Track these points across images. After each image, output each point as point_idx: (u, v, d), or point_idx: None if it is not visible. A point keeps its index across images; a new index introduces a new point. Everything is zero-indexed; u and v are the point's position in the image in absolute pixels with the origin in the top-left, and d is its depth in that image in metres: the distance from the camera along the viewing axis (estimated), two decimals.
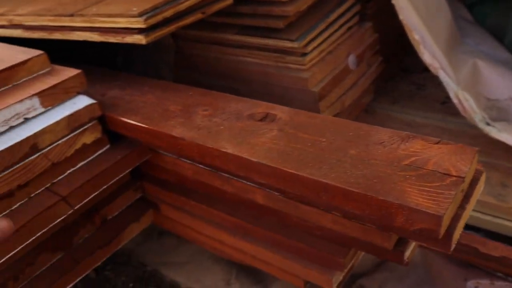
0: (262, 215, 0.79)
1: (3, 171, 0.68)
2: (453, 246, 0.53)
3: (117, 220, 0.93)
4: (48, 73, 0.79)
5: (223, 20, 1.06)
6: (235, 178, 0.76)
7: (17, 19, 0.92)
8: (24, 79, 0.78)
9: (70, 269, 0.84)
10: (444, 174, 0.54)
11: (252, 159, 0.61)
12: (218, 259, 1.16)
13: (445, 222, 0.50)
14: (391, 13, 0.99)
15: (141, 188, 0.96)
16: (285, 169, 0.58)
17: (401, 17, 0.97)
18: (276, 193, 0.68)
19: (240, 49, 1.08)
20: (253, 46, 1.05)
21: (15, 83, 0.77)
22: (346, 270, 0.75)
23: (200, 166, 0.80)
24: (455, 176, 0.53)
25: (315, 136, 0.64)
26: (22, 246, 0.70)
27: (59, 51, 0.92)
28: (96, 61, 1.24)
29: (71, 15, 0.83)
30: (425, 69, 1.04)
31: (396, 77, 1.40)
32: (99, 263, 0.89)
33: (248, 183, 0.71)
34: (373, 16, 1.20)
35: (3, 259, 0.68)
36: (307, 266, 0.76)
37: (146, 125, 0.73)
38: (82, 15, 0.82)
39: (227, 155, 0.64)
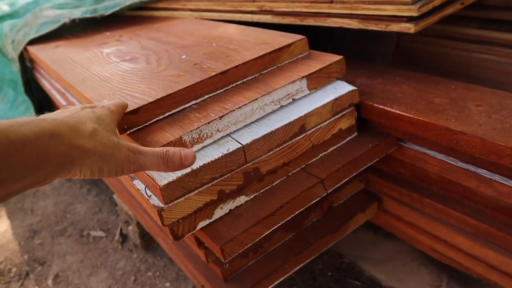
0: None
1: (274, 148, 0.71)
2: None
3: (343, 208, 0.93)
4: (307, 57, 0.81)
5: (462, 13, 1.00)
6: (500, 181, 0.71)
7: (268, 5, 0.96)
8: (287, 62, 0.81)
9: (302, 250, 0.86)
10: None
11: None
12: (424, 262, 1.11)
13: None
14: None
15: (366, 179, 0.95)
16: None
17: None
18: None
19: (477, 44, 1.01)
20: (495, 42, 0.98)
21: (279, 65, 0.80)
22: None
23: (453, 163, 0.76)
24: None
25: None
26: (282, 222, 0.73)
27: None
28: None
29: (331, 2, 0.85)
30: None
31: None
32: (327, 247, 0.90)
33: None
34: None
35: (265, 234, 0.71)
36: None
37: (414, 115, 0.71)
38: (343, 2, 0.83)
39: None
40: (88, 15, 1.31)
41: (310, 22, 0.90)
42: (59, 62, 1.06)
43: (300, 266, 0.87)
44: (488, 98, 0.72)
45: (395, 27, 0.77)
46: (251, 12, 1.01)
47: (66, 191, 1.79)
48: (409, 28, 0.75)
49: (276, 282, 0.84)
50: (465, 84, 0.77)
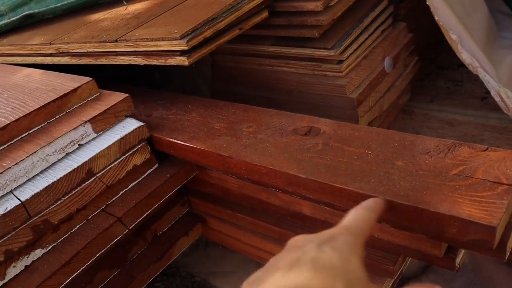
0: (308, 225, 0.81)
1: (63, 196, 0.72)
2: (507, 254, 0.54)
3: (167, 235, 0.96)
4: (97, 99, 0.83)
5: (258, 33, 1.08)
6: (282, 192, 0.78)
7: (64, 47, 0.96)
8: (76, 106, 0.81)
9: (126, 285, 0.87)
10: (495, 182, 0.54)
11: (300, 175, 0.63)
12: None
13: (499, 232, 0.50)
14: (424, 10, 0.98)
15: (188, 202, 0.99)
16: (334, 184, 0.60)
17: (436, 17, 0.96)
18: (324, 206, 0.69)
19: (276, 59, 1.10)
20: (289, 56, 1.07)
21: (68, 111, 0.81)
22: (395, 277, 0.75)
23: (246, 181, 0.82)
24: (506, 184, 0.53)
25: (360, 148, 0.65)
26: (83, 267, 0.73)
27: (100, 71, 0.95)
28: (134, 78, 1.28)
29: (115, 41, 0.87)
30: (461, 64, 1.03)
31: (432, 75, 1.39)
32: (153, 278, 0.92)
33: (295, 196, 0.72)
34: (406, 15, 1.20)
35: (64, 283, 0.71)
36: None
37: (193, 144, 0.75)
38: (125, 40, 0.86)
39: (275, 172, 0.66)
40: None
41: (103, 61, 0.91)
42: None
43: None
44: (260, 118, 0.78)
45: (172, 61, 0.81)
46: (50, 55, 1.00)
47: None
48: (183, 61, 0.80)
49: None
50: (244, 106, 0.83)
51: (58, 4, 1.17)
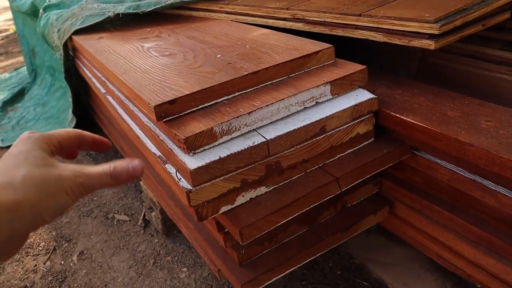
0: None
1: (296, 145, 0.78)
2: None
3: (356, 209, 0.99)
4: (333, 65, 0.88)
5: (486, 34, 1.05)
6: (504, 192, 0.76)
7: (301, 14, 1.03)
8: (314, 67, 0.87)
9: (314, 244, 0.92)
10: None
11: None
12: (431, 268, 1.16)
13: None
14: None
15: (380, 183, 1.01)
16: None
17: None
18: None
19: (498, 65, 1.06)
20: None
21: (306, 70, 0.86)
22: None
23: (461, 173, 0.82)
24: None
25: None
26: (297, 213, 0.79)
27: None
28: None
29: (359, 15, 0.91)
30: None
31: None
32: (338, 244, 0.96)
33: None
34: None
35: (280, 223, 0.77)
36: None
37: (427, 125, 0.77)
38: (369, 16, 0.89)
39: None
40: (131, 11, 1.39)
41: (339, 32, 0.96)
42: (102, 52, 1.15)
43: (311, 258, 0.93)
44: (499, 114, 0.77)
45: (416, 43, 0.83)
46: (284, 19, 1.08)
47: None
48: (430, 44, 0.81)
49: (287, 271, 0.90)
50: (478, 101, 0.82)
51: None
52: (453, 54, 1.16)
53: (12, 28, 4.81)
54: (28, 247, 1.52)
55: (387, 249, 1.26)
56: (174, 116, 0.75)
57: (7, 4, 2.80)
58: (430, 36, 0.81)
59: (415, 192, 0.94)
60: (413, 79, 1.27)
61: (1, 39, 4.59)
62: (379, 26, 0.88)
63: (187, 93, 0.75)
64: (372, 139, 0.89)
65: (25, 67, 2.98)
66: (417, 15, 0.83)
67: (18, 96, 2.73)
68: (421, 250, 1.04)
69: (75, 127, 1.97)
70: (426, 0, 0.92)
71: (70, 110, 1.92)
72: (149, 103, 0.74)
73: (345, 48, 1.23)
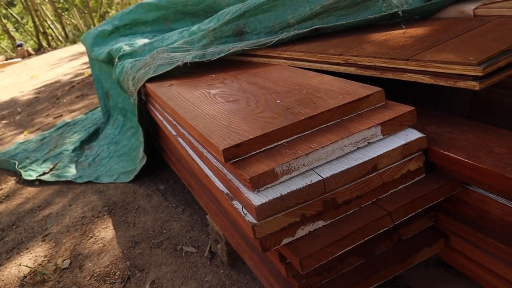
0: None
1: (350, 182, 0.85)
2: None
3: (411, 242, 1.03)
4: (383, 107, 0.95)
5: None
6: None
7: (353, 59, 1.11)
8: (365, 110, 0.95)
9: (371, 275, 0.97)
10: None
11: None
12: None
13: None
14: None
15: (434, 217, 1.05)
16: None
17: None
18: None
19: None
20: None
21: (358, 113, 0.94)
22: None
23: None
24: None
25: None
26: (353, 245, 0.86)
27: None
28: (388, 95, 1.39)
29: (407, 59, 0.98)
30: None
31: None
32: (394, 275, 1.01)
33: None
34: None
35: (337, 254, 0.84)
36: None
37: (474, 162, 0.82)
38: (417, 60, 0.96)
39: None
40: (197, 60, 1.54)
41: (389, 76, 1.03)
42: (173, 99, 1.28)
43: None
44: None
45: (462, 84, 0.89)
46: (338, 64, 1.17)
47: (163, 209, 2.01)
48: (475, 85, 0.87)
49: None
50: None
51: (343, 22, 1.34)
52: (506, 89, 1.19)
53: (87, 72, 5.23)
54: (106, 276, 1.65)
55: (447, 282, 1.28)
56: (240, 158, 0.85)
57: (83, 49, 3.09)
58: (475, 78, 0.87)
59: (470, 225, 0.98)
60: (464, 115, 1.31)
61: (77, 83, 4.99)
62: (426, 69, 0.95)
63: (251, 137, 0.85)
64: (424, 174, 0.94)
65: (96, 109, 3.25)
66: (462, 58, 0.89)
67: (93, 135, 2.98)
68: (480, 283, 1.06)
69: (145, 164, 2.14)
70: (471, 42, 0.97)
71: (141, 149, 2.09)
72: (218, 147, 0.85)
73: (399, 82, 1.30)
